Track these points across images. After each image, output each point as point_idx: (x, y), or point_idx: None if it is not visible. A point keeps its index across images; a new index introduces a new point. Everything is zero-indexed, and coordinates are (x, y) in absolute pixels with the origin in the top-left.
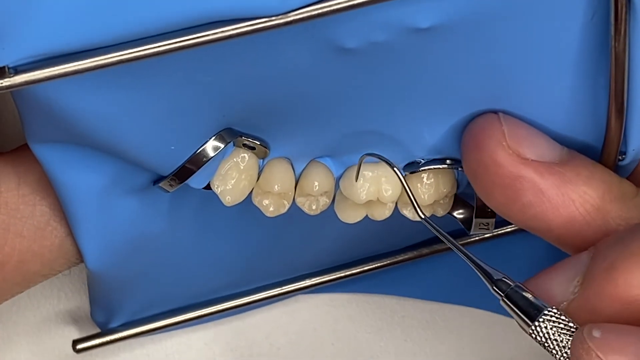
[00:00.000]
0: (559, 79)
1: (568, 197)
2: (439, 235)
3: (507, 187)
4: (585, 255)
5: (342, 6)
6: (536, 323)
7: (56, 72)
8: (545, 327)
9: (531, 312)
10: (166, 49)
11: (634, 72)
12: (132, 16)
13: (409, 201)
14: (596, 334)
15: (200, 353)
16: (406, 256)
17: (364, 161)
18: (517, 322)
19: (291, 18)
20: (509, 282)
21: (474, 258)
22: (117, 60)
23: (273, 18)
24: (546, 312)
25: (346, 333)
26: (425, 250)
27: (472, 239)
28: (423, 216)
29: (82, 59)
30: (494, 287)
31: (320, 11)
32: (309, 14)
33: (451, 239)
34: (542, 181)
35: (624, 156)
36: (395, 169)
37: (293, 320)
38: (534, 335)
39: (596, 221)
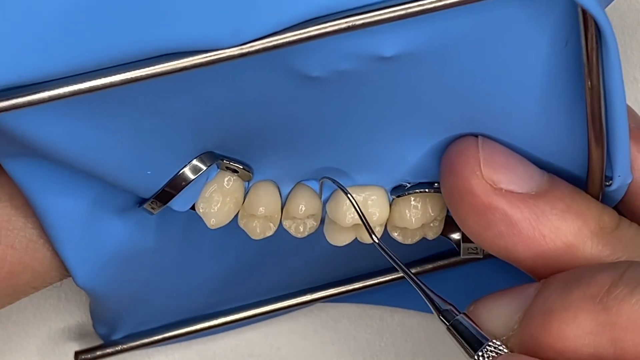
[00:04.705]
0: (536, 105)
1: (539, 232)
2: (392, 262)
3: (480, 216)
4: (533, 289)
5: (296, 39)
6: (477, 354)
7: (7, 105)
8: (487, 359)
9: (474, 344)
10: (119, 81)
11: (612, 100)
12: (87, 48)
13: (399, 225)
14: None
15: (200, 353)
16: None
17: (354, 185)
18: (461, 352)
19: (246, 50)
20: (455, 312)
21: (424, 287)
22: (69, 92)
23: (227, 50)
24: (488, 344)
25: (346, 333)
26: (428, 266)
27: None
28: (377, 241)
29: (34, 91)
30: (441, 317)
31: (274, 43)
32: (263, 46)
33: (404, 266)
34: (515, 213)
35: (610, 182)
36: (348, 195)
37: (293, 320)
38: None
39: (567, 257)
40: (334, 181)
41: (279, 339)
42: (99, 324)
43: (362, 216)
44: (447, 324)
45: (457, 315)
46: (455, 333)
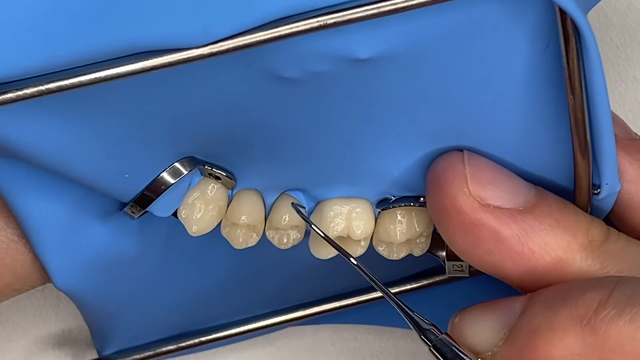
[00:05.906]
0: (518, 112)
1: (528, 248)
2: (371, 282)
3: (468, 233)
4: (519, 304)
5: (266, 38)
6: None
7: None
8: None
9: None
10: (87, 80)
11: (596, 105)
12: (53, 48)
13: (384, 239)
14: None
15: (199, 353)
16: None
17: (337, 196)
18: None
19: (216, 49)
20: (437, 332)
21: (405, 308)
22: (37, 92)
23: (196, 50)
24: None
25: (346, 333)
26: (412, 286)
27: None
28: (355, 262)
29: (1, 92)
30: (422, 337)
31: (244, 42)
32: (233, 45)
33: (383, 286)
34: (503, 230)
35: (599, 190)
36: (313, 226)
37: None
38: None
39: (557, 272)
40: (294, 206)
41: (279, 338)
42: (94, 336)
43: (327, 238)
44: (430, 345)
45: (439, 335)
46: (438, 355)
